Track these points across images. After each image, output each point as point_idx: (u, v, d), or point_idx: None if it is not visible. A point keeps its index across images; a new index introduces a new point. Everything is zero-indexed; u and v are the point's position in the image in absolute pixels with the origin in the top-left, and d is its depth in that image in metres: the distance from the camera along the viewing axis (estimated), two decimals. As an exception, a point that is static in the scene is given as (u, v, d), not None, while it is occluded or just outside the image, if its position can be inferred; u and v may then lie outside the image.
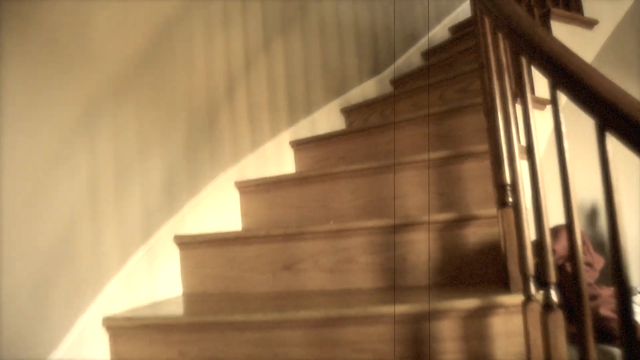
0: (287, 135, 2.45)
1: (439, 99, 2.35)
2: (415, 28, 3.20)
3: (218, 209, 2.03)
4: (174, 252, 1.80)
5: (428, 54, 3.16)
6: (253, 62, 2.37)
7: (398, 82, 2.95)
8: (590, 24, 2.22)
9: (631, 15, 2.60)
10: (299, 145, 2.44)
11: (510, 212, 1.28)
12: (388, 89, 2.98)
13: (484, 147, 1.69)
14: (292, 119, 2.50)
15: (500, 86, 1.30)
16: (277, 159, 2.38)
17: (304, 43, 2.64)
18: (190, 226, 1.88)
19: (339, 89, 2.76)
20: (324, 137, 2.36)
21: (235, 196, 2.13)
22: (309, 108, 2.59)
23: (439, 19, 3.33)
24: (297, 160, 2.45)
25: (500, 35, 1.28)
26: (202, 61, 2.10)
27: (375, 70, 2.96)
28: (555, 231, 2.27)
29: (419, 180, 1.80)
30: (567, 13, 2.16)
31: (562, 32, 2.10)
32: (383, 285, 1.55)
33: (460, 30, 3.30)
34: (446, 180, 1.76)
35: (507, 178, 1.30)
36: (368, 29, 2.97)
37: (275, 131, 2.40)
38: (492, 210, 1.44)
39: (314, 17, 2.72)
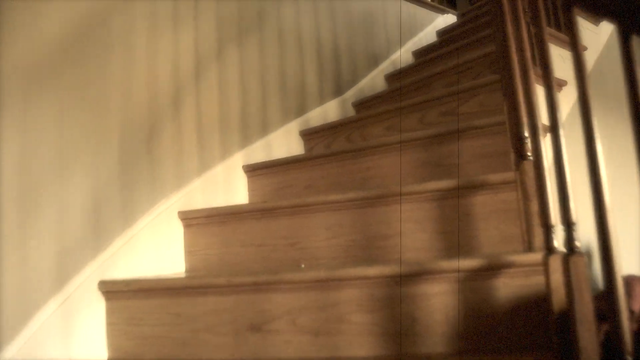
0: (239, 158, 2.06)
1: (420, 123, 2.05)
2: (378, 50, 2.93)
3: (159, 245, 1.60)
4: (99, 304, 1.35)
5: (400, 73, 2.89)
6: (204, 70, 1.97)
7: (362, 104, 2.64)
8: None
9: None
10: (254, 170, 2.05)
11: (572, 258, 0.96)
12: (351, 111, 2.66)
13: (497, 176, 1.38)
14: (246, 140, 2.11)
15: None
16: (228, 185, 1.98)
17: (262, 55, 2.28)
18: (122, 268, 1.44)
19: (298, 109, 2.41)
20: (285, 162, 1.99)
21: (180, 229, 1.70)
22: (264, 128, 2.22)
23: (402, 42, 3.09)
24: (252, 189, 2.06)
25: None
26: (144, 62, 1.69)
27: (337, 91, 2.64)
28: (626, 283, 1.90)
29: (415, 216, 1.46)
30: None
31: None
32: (384, 353, 1.18)
33: (424, 55, 3.07)
34: (450, 217, 1.43)
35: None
36: (330, 46, 2.66)
37: (226, 153, 2.01)
38: (531, 256, 1.12)
39: (273, 27, 2.38)
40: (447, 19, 3.43)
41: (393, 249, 1.46)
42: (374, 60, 2.88)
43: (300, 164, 1.96)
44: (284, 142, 2.28)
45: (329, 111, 2.55)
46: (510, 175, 1.35)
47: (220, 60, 2.07)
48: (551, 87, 1.01)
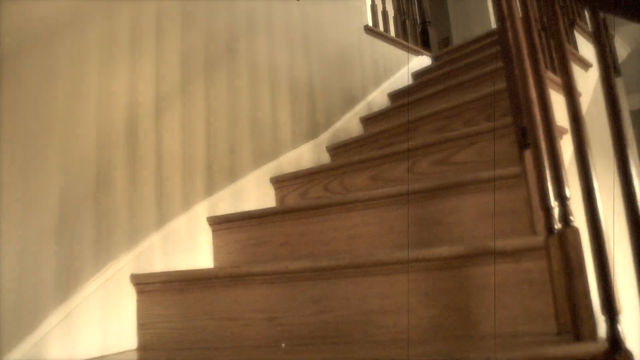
0: (203, 209, 1.78)
1: (410, 173, 1.83)
2: (353, 90, 2.74)
3: (105, 317, 1.30)
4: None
5: (378, 116, 2.69)
6: (166, 107, 1.72)
7: (338, 149, 2.42)
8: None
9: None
10: (220, 223, 1.78)
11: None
12: (325, 156, 2.44)
13: (518, 242, 1.16)
14: (211, 187, 1.85)
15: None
16: (190, 241, 1.69)
17: (231, 92, 2.04)
18: (57, 350, 1.13)
19: (270, 153, 2.17)
20: (257, 215, 1.73)
21: (132, 296, 1.41)
22: (232, 174, 1.96)
23: (377, 83, 2.91)
24: (218, 245, 1.78)
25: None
26: (94, 94, 1.42)
27: (311, 134, 2.41)
28: None
29: (416, 288, 1.22)
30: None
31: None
32: None
33: (401, 97, 2.89)
34: (460, 290, 1.20)
35: None
36: (305, 85, 2.44)
37: (189, 202, 1.73)
38: (580, 348, 0.89)
39: (245, 62, 2.15)
40: (422, 61, 3.29)
41: (394, 328, 1.20)
42: (349, 102, 2.69)
43: (275, 218, 1.70)
44: (253, 190, 2.02)
45: (302, 156, 2.31)
46: (535, 241, 1.14)
47: (185, 95, 1.82)
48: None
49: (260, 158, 2.11)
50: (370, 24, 3.00)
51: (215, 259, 1.76)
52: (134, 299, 1.42)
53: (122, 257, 1.41)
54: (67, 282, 1.24)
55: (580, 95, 1.81)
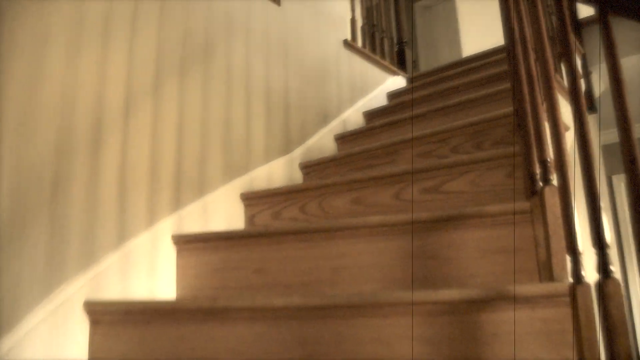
0: (168, 225, 1.59)
1: (396, 199, 1.70)
2: (329, 106, 2.60)
3: (52, 352, 1.09)
4: None
5: (353, 135, 2.56)
6: (136, 107, 1.53)
7: (312, 167, 2.27)
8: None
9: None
10: (187, 242, 1.60)
11: None
12: (297, 173, 2.28)
13: (535, 288, 1.05)
14: (178, 201, 1.66)
15: None
16: (151, 262, 1.50)
17: (205, 97, 1.87)
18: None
19: (242, 166, 2.00)
20: (229, 236, 1.56)
21: (85, 327, 1.20)
22: (201, 187, 1.78)
23: (353, 100, 2.78)
24: (183, 267, 1.59)
25: None
26: (56, 84, 1.22)
27: (285, 149, 2.26)
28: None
29: (420, 334, 1.08)
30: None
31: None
32: None
33: (377, 117, 2.78)
34: (469, 338, 1.07)
35: None
36: (280, 96, 2.29)
37: (152, 217, 1.54)
38: None
39: (221, 66, 1.98)
40: (397, 81, 3.20)
41: (395, 379, 1.06)
42: (324, 118, 2.55)
43: (250, 240, 1.53)
44: (222, 206, 1.84)
45: (274, 171, 2.15)
46: (557, 288, 1.02)
47: (156, 97, 1.63)
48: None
49: (231, 171, 1.94)
50: (349, 38, 2.88)
51: (180, 283, 1.57)
52: (87, 330, 1.22)
53: (75, 280, 1.21)
54: (8, 312, 1.03)
55: (567, 129, 1.74)
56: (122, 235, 1.41)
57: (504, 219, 1.31)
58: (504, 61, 2.67)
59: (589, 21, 2.73)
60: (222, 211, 1.84)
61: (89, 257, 1.28)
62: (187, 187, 1.72)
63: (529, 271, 1.28)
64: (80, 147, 1.33)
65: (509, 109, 1.82)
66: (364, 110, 2.82)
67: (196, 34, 1.89)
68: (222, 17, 2.05)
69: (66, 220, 1.25)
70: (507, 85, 2.30)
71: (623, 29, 2.54)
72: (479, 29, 4.81)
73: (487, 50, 3.00)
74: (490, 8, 4.77)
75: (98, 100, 1.41)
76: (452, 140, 1.94)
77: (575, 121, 0.94)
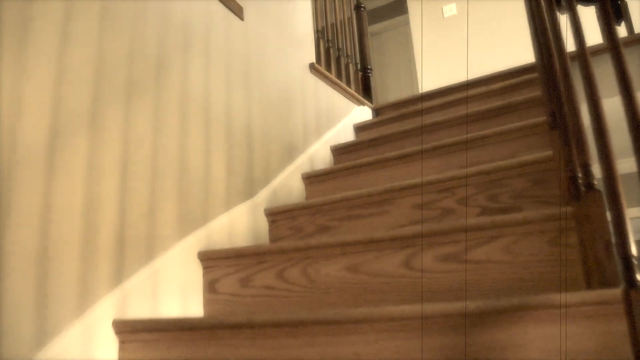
0: (107, 307, 1.15)
1: (406, 268, 1.34)
2: (295, 139, 2.22)
3: None
4: None
5: (325, 175, 2.17)
6: (65, 141, 1.09)
7: (280, 215, 1.87)
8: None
9: None
10: (132, 332, 1.16)
11: None
12: (262, 221, 1.87)
13: None
14: (121, 272, 1.22)
15: None
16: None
17: (156, 128, 1.44)
18: None
19: (199, 216, 1.57)
20: (192, 327, 1.13)
21: None
22: (151, 249, 1.34)
23: (319, 132, 2.42)
24: (126, 366, 1.14)
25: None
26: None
27: (248, 191, 1.85)
28: None
29: None
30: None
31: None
32: None
33: (347, 154, 2.43)
34: None
35: None
36: (243, 129, 1.89)
37: (86, 300, 1.10)
38: None
39: (176, 91, 1.56)
40: (363, 112, 2.87)
41: None
42: (290, 153, 2.16)
43: (224, 333, 1.12)
44: (176, 271, 1.41)
45: (236, 221, 1.74)
46: None
47: (94, 128, 1.20)
48: None
49: (187, 223, 1.51)
50: (315, 61, 2.53)
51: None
52: None
53: None
54: None
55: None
56: (43, 331, 0.96)
57: (575, 311, 0.98)
58: (495, 93, 2.41)
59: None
60: (176, 277, 1.40)
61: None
62: (133, 249, 1.27)
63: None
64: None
65: (531, 155, 1.52)
66: (331, 145, 2.46)
67: (147, 47, 1.47)
68: (179, 28, 1.63)
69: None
70: (508, 120, 2.03)
71: None
72: (437, 58, 4.61)
73: (472, 79, 2.74)
74: (448, 34, 4.60)
75: (10, 135, 0.96)
76: (459, 191, 1.61)
77: None
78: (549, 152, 1.49)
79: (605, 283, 1.03)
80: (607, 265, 1.02)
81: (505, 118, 2.10)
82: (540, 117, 1.92)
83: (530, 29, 1.62)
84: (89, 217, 1.16)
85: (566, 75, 1.11)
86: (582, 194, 1.12)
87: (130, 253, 1.26)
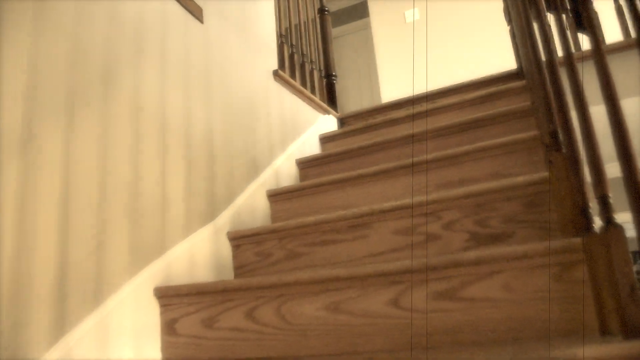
0: (43, 367, 0.95)
1: (395, 307, 1.19)
2: (259, 153, 2.04)
3: None
4: None
5: (290, 192, 2.00)
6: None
7: (245, 239, 1.69)
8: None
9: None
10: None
11: None
12: (226, 247, 1.69)
13: None
14: (62, 321, 1.02)
15: None
16: None
17: (102, 145, 1.24)
18: None
19: (156, 246, 1.38)
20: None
21: None
22: (98, 293, 1.14)
23: (284, 144, 2.25)
24: None
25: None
26: None
27: (209, 213, 1.66)
28: None
29: None
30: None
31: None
32: None
33: (313, 168, 2.26)
34: None
35: None
36: (203, 143, 1.70)
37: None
38: None
39: (126, 102, 1.36)
40: (328, 121, 2.72)
41: None
42: (254, 168, 1.99)
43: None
44: (130, 313, 1.21)
45: (197, 248, 1.55)
46: None
47: (27, 150, 0.99)
48: None
49: (141, 256, 1.31)
50: (278, 67, 2.36)
51: None
52: None
53: None
54: None
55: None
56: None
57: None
58: (469, 104, 2.30)
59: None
60: (130, 321, 1.21)
61: None
62: (78, 294, 1.07)
63: None
64: None
65: (523, 177, 1.40)
66: (297, 158, 2.29)
67: (93, 52, 1.27)
68: (130, 31, 1.43)
69: None
70: (486, 133, 1.92)
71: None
72: (399, 65, 4.50)
73: (445, 87, 2.63)
74: (411, 40, 4.50)
75: None
76: (445, 214, 1.48)
77: None
78: (543, 174, 1.37)
79: (629, 332, 0.91)
80: (632, 311, 0.90)
81: (484, 131, 1.98)
82: (524, 132, 1.82)
83: (518, 38, 1.50)
84: (20, 263, 0.95)
85: (581, 101, 0.98)
86: (594, 228, 1.01)
87: (74, 300, 1.06)
